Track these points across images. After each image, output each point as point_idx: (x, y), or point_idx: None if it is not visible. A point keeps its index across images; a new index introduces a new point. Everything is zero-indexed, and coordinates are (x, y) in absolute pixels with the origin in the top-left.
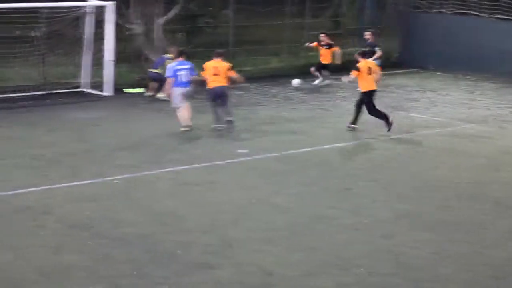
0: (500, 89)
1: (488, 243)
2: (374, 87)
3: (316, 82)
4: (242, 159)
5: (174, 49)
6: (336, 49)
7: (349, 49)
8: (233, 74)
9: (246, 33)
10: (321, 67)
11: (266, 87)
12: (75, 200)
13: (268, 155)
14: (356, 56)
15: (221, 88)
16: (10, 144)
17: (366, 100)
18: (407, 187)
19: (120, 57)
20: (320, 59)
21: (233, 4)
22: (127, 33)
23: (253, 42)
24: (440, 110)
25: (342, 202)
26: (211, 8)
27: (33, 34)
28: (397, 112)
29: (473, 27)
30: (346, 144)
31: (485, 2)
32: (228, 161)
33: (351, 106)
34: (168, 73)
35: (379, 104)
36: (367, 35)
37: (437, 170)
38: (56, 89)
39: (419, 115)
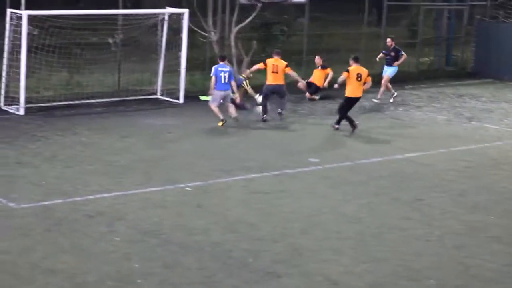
0: None
1: None
2: (359, 95)
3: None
4: (313, 168)
5: (247, 71)
6: (328, 71)
7: (424, 58)
8: (290, 71)
9: (321, 41)
10: (315, 89)
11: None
12: (147, 207)
13: (340, 164)
14: (350, 61)
15: (279, 86)
16: (85, 150)
17: (345, 104)
18: (479, 198)
19: (194, 64)
20: (314, 80)
21: (308, 12)
22: (202, 40)
23: (328, 50)
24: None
25: (413, 213)
26: (286, 16)
27: (110, 41)
28: (471, 122)
29: None
30: (418, 154)
31: None
32: (299, 170)
33: (425, 116)
34: (212, 73)
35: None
36: (388, 41)
37: (510, 182)
38: (132, 96)
39: (492, 126)
